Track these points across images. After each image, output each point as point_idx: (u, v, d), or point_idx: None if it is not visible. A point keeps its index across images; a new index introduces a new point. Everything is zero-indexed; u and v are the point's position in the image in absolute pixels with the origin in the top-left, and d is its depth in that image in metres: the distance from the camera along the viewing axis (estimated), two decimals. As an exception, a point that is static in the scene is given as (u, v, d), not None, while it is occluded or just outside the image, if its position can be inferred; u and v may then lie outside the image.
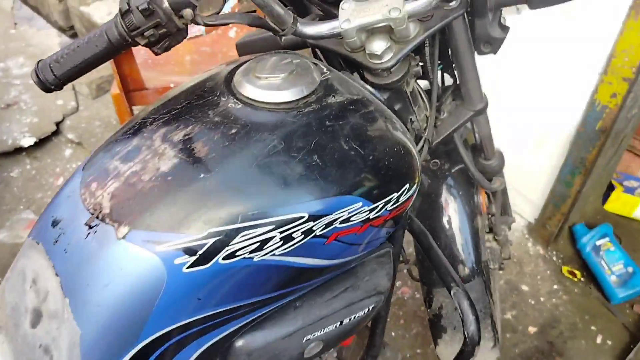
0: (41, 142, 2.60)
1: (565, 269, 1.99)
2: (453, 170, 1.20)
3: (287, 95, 0.71)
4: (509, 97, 1.86)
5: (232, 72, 0.77)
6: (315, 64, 0.80)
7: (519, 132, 1.95)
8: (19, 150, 2.56)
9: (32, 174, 2.48)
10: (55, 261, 0.65)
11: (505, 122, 1.92)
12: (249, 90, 0.72)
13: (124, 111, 1.87)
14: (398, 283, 1.93)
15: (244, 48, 1.06)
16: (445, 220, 1.18)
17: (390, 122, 0.77)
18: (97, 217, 0.64)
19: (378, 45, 0.81)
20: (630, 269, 1.86)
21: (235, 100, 0.71)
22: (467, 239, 1.18)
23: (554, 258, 2.04)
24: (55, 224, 0.68)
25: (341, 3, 0.81)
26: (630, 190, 2.08)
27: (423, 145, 0.98)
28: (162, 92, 1.87)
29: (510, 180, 1.98)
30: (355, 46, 0.83)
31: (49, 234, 0.68)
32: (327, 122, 0.70)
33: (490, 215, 1.36)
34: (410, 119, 0.95)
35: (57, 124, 2.67)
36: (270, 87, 0.72)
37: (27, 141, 2.55)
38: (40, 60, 0.76)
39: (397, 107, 0.91)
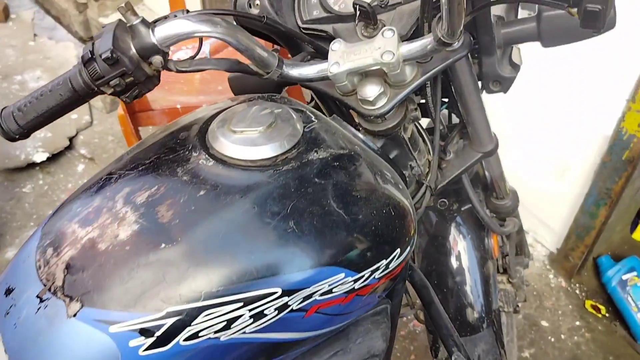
0: (54, 157, 2.59)
1: (588, 303, 1.88)
2: (462, 210, 1.12)
3: (264, 152, 0.65)
4: (529, 122, 1.77)
5: (208, 122, 0.70)
6: (302, 111, 0.74)
7: (540, 158, 1.85)
8: (32, 165, 2.55)
9: (44, 190, 2.47)
10: (4, 336, 0.60)
11: (525, 146, 1.83)
12: (223, 145, 0.65)
13: (129, 132, 1.82)
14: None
15: (236, 81, 1.00)
16: (453, 265, 1.10)
17: (382, 177, 0.70)
18: (50, 290, 0.58)
19: (370, 90, 0.74)
20: (659, 307, 1.74)
21: (207, 156, 0.65)
22: (477, 286, 1.10)
23: (577, 291, 1.92)
24: (8, 292, 0.62)
25: (331, 44, 0.74)
26: (660, 219, 1.96)
27: (424, 193, 0.90)
28: (168, 113, 1.83)
29: (531, 207, 1.89)
30: (347, 90, 0.76)
31: (2, 304, 0.62)
32: (307, 182, 0.63)
33: (504, 255, 1.27)
34: (410, 165, 0.87)
35: (70, 139, 2.66)
36: (245, 142, 0.65)
37: (40, 156, 2.54)
38: (4, 108, 0.71)
39: (393, 154, 0.84)
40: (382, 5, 0.78)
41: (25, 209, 2.38)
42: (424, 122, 0.97)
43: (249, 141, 0.65)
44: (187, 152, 0.66)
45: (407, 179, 0.87)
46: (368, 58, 0.70)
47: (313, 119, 0.73)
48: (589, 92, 1.61)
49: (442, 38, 0.65)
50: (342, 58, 0.72)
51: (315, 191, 0.62)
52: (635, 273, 1.81)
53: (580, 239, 1.84)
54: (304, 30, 0.86)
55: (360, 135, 0.78)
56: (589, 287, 1.93)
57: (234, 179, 0.63)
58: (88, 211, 0.63)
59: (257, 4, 0.83)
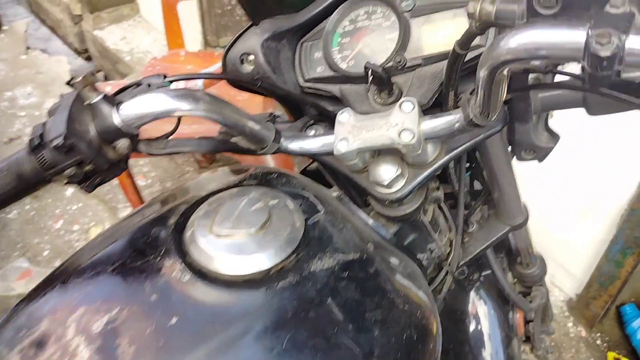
0: (43, 181, 2.46)
1: (611, 356, 1.73)
2: (483, 279, 0.99)
3: (255, 262, 0.52)
4: (551, 160, 1.63)
5: (187, 213, 0.58)
6: (303, 197, 0.61)
7: (561, 198, 1.71)
8: (19, 189, 2.42)
9: (31, 216, 2.34)
10: None
11: (546, 185, 1.70)
12: (203, 252, 0.52)
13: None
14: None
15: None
16: (473, 344, 0.96)
17: (400, 284, 0.57)
18: None
19: (385, 171, 0.62)
20: (689, 364, 1.60)
21: (182, 266, 0.52)
22: (501, 369, 0.96)
23: (598, 342, 1.78)
24: None
25: (338, 114, 0.62)
26: (687, 262, 1.82)
27: (445, 278, 0.77)
28: (159, 144, 1.69)
29: (548, 249, 1.75)
30: (357, 168, 0.64)
31: None
32: (308, 303, 0.50)
33: (527, 321, 1.13)
34: (429, 248, 0.75)
35: (60, 161, 2.53)
36: (231, 250, 0.52)
37: (28, 180, 2.41)
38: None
39: (410, 238, 0.72)
40: (399, 67, 0.66)
41: (11, 237, 2.25)
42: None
43: (236, 248, 0.52)
44: (158, 259, 0.53)
45: (424, 262, 0.75)
46: (383, 137, 0.58)
47: (318, 207, 0.60)
48: (618, 132, 1.48)
49: (474, 119, 0.53)
50: (352, 134, 0.60)
51: (319, 316, 0.50)
52: (662, 325, 1.68)
53: (603, 288, 1.70)
54: (306, 89, 0.73)
55: (371, 222, 0.65)
56: (611, 337, 1.79)
57: (214, 302, 0.50)
58: (34, 337, 0.50)
59: (251, 60, 0.71)
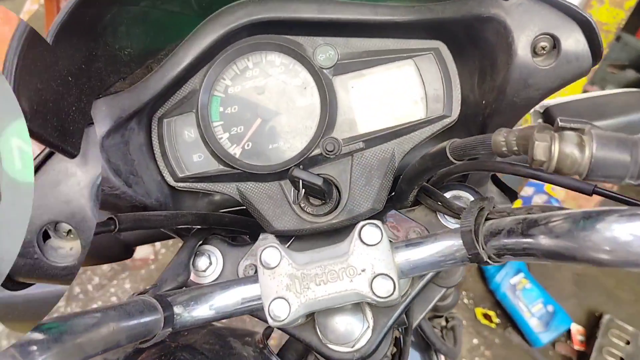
0: None
1: (479, 312, 1.75)
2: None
3: None
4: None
5: None
6: None
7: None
8: None
9: None
10: None
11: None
12: None
13: None
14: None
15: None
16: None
17: None
18: None
19: (345, 326, 0.43)
20: (550, 308, 1.66)
21: None
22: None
23: (465, 300, 1.79)
24: None
25: (261, 250, 0.38)
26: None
27: None
28: None
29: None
30: (299, 323, 0.42)
31: None
32: None
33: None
34: None
35: None
36: None
37: None
38: None
39: None
40: (330, 156, 0.43)
41: None
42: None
43: None
44: None
45: None
46: (347, 294, 0.38)
47: None
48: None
49: (488, 260, 0.35)
50: (292, 290, 0.38)
51: None
52: (522, 275, 1.72)
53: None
54: (179, 188, 0.47)
55: None
56: (475, 292, 1.81)
57: None
58: None
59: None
